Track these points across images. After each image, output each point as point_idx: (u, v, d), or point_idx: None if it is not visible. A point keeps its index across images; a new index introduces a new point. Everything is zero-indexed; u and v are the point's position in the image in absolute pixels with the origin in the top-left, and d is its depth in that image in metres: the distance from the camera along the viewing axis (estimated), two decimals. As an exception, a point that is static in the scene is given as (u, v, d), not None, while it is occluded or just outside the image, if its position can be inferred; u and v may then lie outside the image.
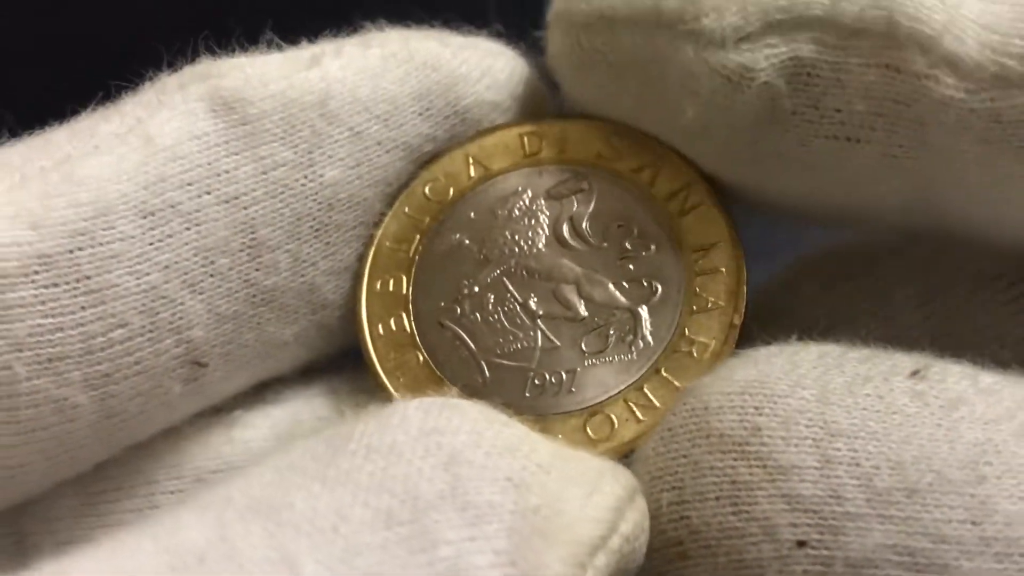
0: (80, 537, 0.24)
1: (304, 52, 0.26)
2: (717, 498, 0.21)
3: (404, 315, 0.26)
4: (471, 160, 0.27)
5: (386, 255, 0.26)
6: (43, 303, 0.22)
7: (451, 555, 0.18)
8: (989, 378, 0.21)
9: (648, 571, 0.22)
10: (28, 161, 0.23)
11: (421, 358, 0.25)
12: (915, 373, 0.21)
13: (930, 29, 0.22)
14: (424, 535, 0.19)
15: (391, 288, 0.26)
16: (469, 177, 0.27)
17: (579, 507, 0.20)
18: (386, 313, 0.26)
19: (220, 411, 0.26)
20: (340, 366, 0.27)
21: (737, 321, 0.25)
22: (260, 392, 0.27)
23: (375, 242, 0.26)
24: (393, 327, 0.26)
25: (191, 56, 0.25)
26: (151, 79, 0.25)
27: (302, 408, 0.26)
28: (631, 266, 0.26)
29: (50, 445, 0.23)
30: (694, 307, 0.25)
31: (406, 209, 0.27)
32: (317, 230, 0.25)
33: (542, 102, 0.28)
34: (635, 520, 0.21)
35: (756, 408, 0.21)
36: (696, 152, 0.26)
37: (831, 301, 0.27)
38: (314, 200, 0.25)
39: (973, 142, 0.22)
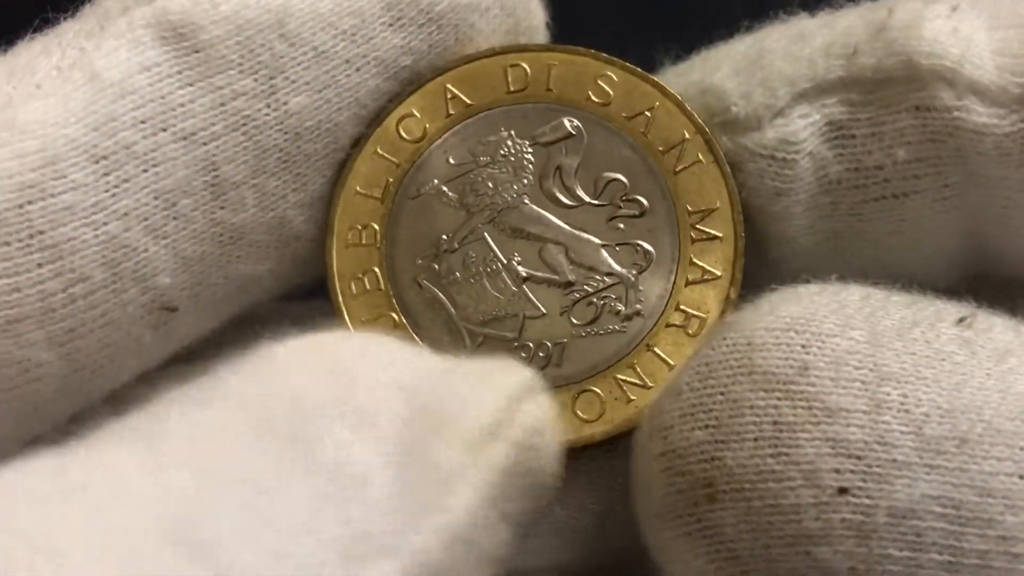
0: None
1: None
2: (756, 439, 0.20)
3: (378, 271, 0.25)
4: (449, 92, 0.25)
5: (357, 203, 0.25)
6: None
7: (335, 457, 0.17)
8: None
9: (666, 513, 0.21)
10: None
11: (397, 320, 0.24)
12: (961, 320, 0.21)
13: (950, 62, 0.22)
14: (308, 440, 0.18)
15: (363, 241, 0.25)
16: (447, 114, 0.25)
17: (467, 397, 0.19)
18: (359, 268, 0.24)
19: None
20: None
21: (734, 295, 0.24)
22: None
23: (344, 186, 0.24)
24: (367, 285, 0.24)
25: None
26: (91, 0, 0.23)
27: None
28: (622, 226, 0.24)
29: (18, 404, 0.22)
30: (688, 277, 0.24)
31: (377, 149, 0.25)
32: (284, 162, 0.23)
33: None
34: (535, 413, 0.19)
35: (803, 346, 0.20)
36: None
37: None
38: (279, 130, 0.23)
39: (1014, 167, 0.22)
